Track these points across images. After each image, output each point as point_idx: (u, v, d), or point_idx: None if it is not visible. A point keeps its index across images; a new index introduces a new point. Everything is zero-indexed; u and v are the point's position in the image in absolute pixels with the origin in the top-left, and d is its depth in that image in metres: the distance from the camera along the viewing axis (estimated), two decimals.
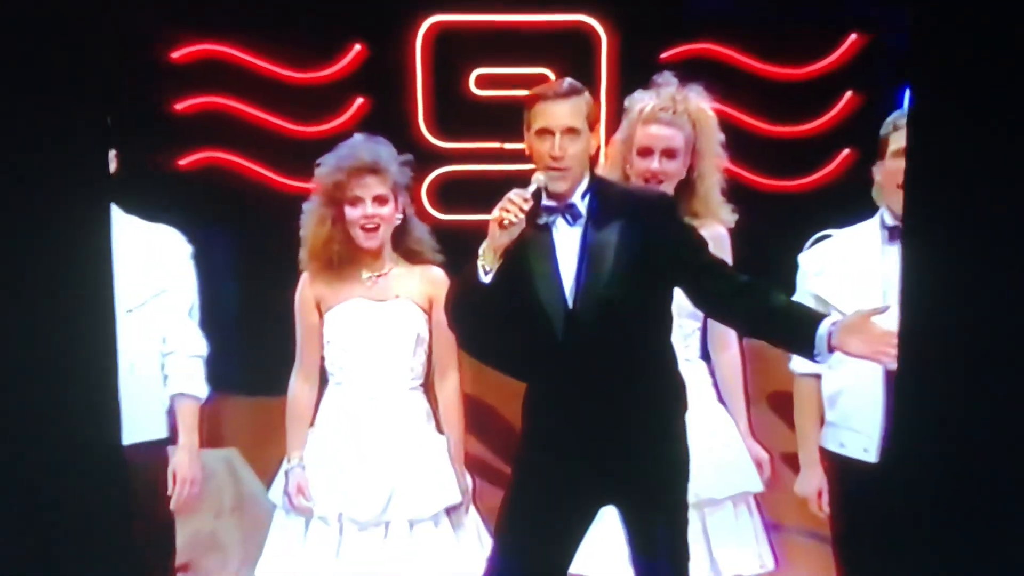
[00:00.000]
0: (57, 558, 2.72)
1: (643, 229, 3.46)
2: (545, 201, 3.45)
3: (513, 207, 3.37)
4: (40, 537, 2.73)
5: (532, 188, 3.42)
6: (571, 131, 3.44)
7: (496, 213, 3.39)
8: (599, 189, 3.55)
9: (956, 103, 2.51)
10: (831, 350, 3.30)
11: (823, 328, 3.25)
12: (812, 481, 3.93)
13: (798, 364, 3.88)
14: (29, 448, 2.70)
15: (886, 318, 3.31)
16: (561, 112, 3.45)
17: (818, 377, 3.88)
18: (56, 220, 2.66)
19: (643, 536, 3.61)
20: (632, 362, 3.51)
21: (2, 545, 2.81)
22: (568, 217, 3.51)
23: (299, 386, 4.22)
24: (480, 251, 3.43)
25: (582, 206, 3.49)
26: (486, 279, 3.40)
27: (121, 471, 2.91)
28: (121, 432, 2.90)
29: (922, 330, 2.54)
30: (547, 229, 3.50)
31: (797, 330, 3.34)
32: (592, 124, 3.52)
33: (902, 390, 2.63)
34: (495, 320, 3.52)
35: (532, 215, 3.45)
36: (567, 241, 3.49)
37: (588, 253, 3.49)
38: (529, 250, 3.47)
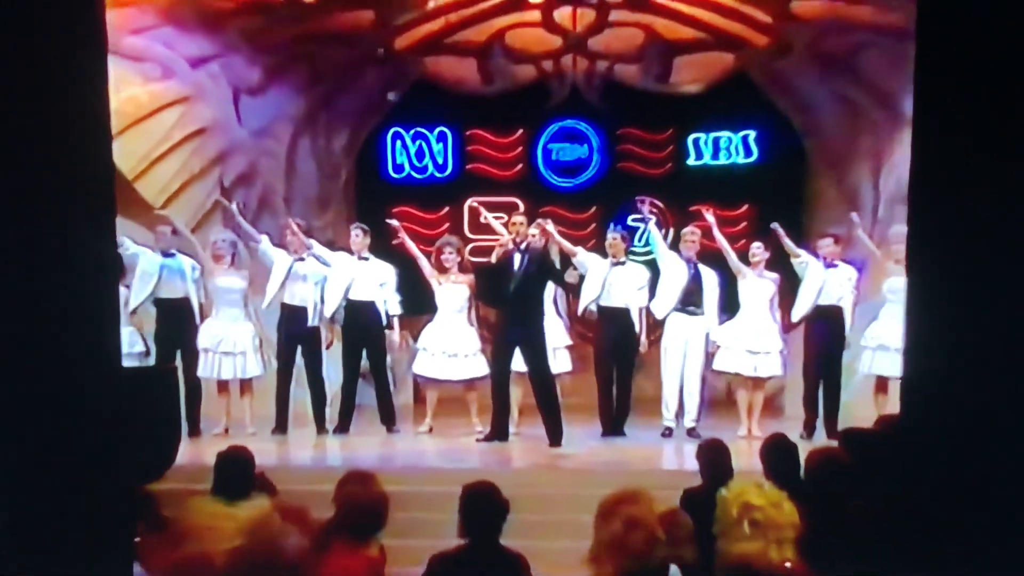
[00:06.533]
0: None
1: (539, 259, 10.17)
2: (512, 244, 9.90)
3: (507, 242, 9.91)
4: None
5: (509, 237, 9.94)
6: (523, 224, 9.97)
7: (501, 241, 10.16)
8: (529, 243, 9.93)
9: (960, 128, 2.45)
10: None
11: None
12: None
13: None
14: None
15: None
16: (519, 218, 10.19)
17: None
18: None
19: (531, 359, 9.94)
20: (535, 301, 10.05)
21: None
22: (519, 250, 9.84)
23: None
24: (494, 254, 10.20)
25: (524, 247, 9.91)
26: (494, 263, 10.21)
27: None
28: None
29: (927, 337, 2.46)
30: (512, 253, 9.91)
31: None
32: (530, 222, 10.18)
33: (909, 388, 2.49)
34: (492, 284, 10.77)
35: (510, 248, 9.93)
36: (518, 258, 9.87)
37: (522, 262, 9.82)
38: (507, 259, 9.93)
